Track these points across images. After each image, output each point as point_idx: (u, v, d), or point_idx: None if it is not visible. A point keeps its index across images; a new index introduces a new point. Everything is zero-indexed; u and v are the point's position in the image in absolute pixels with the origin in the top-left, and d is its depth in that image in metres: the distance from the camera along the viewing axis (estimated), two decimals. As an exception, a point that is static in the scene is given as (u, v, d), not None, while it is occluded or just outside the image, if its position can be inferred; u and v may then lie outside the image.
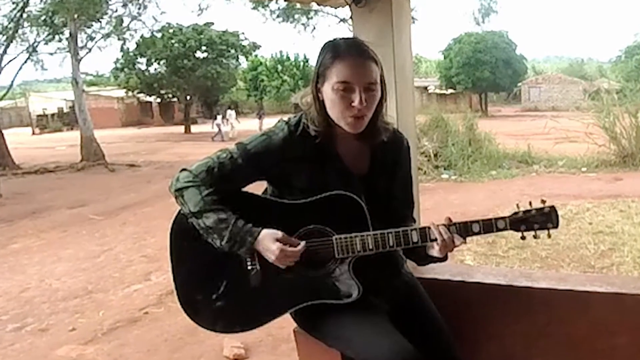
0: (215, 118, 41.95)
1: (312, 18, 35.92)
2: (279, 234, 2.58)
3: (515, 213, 2.58)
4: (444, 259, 2.73)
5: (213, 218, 2.59)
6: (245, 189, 2.76)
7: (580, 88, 57.70)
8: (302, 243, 2.60)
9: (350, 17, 3.63)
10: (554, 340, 3.26)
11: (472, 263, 9.00)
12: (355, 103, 2.54)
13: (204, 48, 50.49)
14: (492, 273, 3.62)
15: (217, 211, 2.61)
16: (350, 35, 3.17)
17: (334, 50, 2.60)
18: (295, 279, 2.68)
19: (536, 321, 3.27)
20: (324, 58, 2.60)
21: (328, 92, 2.58)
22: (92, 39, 32.25)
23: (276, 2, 34.87)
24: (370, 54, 2.61)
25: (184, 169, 2.71)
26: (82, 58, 30.44)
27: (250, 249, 2.61)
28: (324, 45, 2.66)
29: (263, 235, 2.59)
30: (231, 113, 43.62)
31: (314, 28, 35.46)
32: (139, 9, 32.93)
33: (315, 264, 2.66)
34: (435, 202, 14.17)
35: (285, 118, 2.75)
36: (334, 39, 2.66)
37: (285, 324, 2.96)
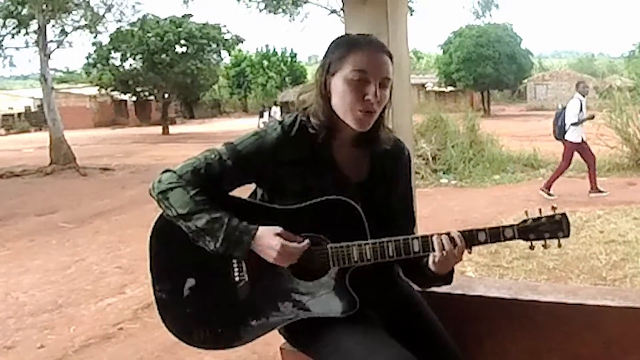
0: (262, 115, 41.67)
1: (298, 12, 36.00)
2: (279, 229, 2.57)
3: (524, 221, 2.58)
4: (449, 280, 2.76)
5: (205, 218, 2.57)
6: (231, 193, 2.75)
7: (591, 85, 57.71)
8: (306, 241, 2.59)
9: (342, 9, 3.64)
10: (561, 358, 3.26)
11: (474, 275, 9.00)
12: (370, 96, 2.57)
13: (183, 42, 50.46)
14: (495, 286, 3.61)
15: (209, 211, 2.58)
16: (341, 27, 3.19)
17: (351, 41, 2.67)
18: (287, 291, 2.67)
19: (543, 337, 3.27)
20: (338, 48, 2.65)
21: (339, 83, 2.60)
22: (62, 32, 32.15)
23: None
24: (387, 49, 2.67)
25: (167, 170, 2.69)
26: (51, 53, 30.28)
27: (246, 250, 2.57)
28: (337, 39, 2.71)
29: (261, 231, 2.57)
30: (276, 110, 43.36)
31: (306, 16, 35.50)
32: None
33: (308, 275, 2.65)
34: (433, 209, 14.17)
35: (279, 118, 2.76)
36: (347, 34, 2.76)
37: (271, 340, 2.95)
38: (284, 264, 2.59)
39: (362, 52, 2.58)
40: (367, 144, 2.74)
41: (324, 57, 2.68)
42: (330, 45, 2.69)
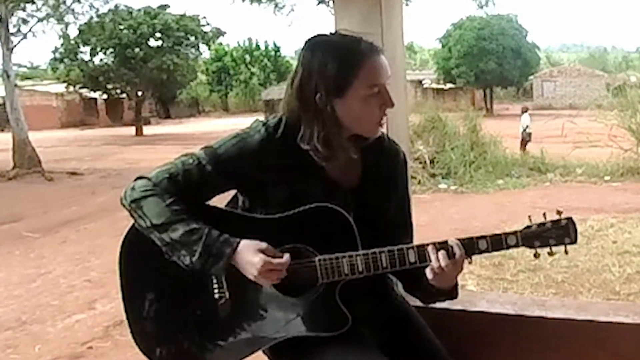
0: None
1: (284, 5, 36.00)
2: (262, 244, 2.53)
3: (528, 227, 2.58)
4: (454, 294, 2.76)
5: (182, 229, 2.52)
6: (209, 201, 2.72)
7: (603, 82, 57.96)
8: (287, 255, 2.54)
9: (332, -1, 3.64)
10: (571, 380, 3.26)
11: (475, 289, 9.01)
12: (389, 104, 2.61)
13: (158, 35, 50.33)
14: (499, 301, 3.62)
15: (186, 221, 2.54)
16: (331, 18, 3.17)
17: (353, 52, 2.57)
18: (272, 308, 2.65)
19: (550, 357, 3.27)
20: (339, 65, 2.54)
21: (353, 103, 2.57)
22: (26, 23, 32.06)
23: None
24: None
25: (140, 177, 2.65)
26: (14, 46, 30.21)
27: (226, 265, 2.53)
28: (322, 49, 2.60)
29: (243, 245, 2.53)
30: None
31: (292, 8, 35.48)
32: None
33: (294, 290, 2.63)
34: (431, 217, 14.18)
35: (262, 118, 2.72)
36: (321, 38, 2.65)
37: (254, 360, 2.94)
38: (265, 283, 2.56)
39: (372, 63, 2.57)
40: (360, 142, 2.71)
41: (315, 77, 2.54)
42: (316, 60, 2.57)
